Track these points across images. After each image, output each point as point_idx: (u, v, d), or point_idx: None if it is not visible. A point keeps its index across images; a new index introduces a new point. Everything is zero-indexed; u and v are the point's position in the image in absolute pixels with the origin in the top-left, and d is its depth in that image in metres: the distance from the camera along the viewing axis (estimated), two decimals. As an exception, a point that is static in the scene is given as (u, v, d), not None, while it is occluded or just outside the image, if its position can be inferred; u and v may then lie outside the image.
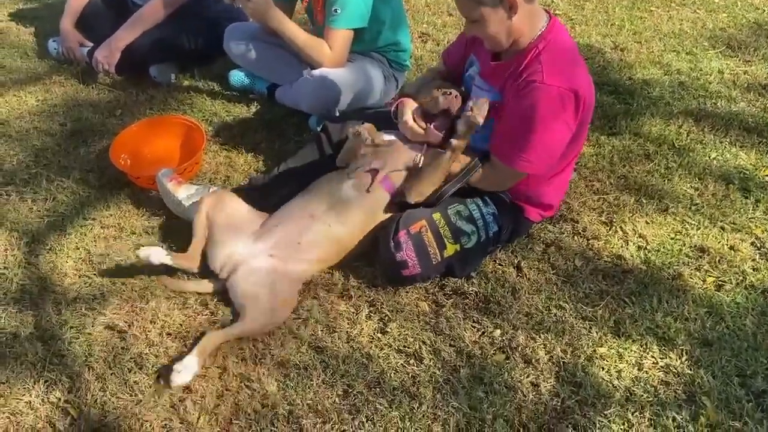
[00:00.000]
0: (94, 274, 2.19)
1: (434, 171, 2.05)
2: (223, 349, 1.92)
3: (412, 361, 1.91)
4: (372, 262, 2.20)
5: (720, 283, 2.13)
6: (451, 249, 2.06)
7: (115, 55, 2.98)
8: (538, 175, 2.03)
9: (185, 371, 1.79)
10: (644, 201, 2.45)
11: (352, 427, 1.74)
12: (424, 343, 1.96)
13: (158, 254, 2.02)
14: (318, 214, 2.10)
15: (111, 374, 1.87)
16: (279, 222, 2.12)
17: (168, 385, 1.79)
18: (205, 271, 2.11)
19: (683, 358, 1.90)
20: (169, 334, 1.99)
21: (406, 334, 1.98)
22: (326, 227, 2.09)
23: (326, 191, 2.15)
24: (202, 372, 1.86)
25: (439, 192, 2.09)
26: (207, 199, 2.17)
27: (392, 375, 1.87)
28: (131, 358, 1.91)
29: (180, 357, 1.84)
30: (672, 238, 2.30)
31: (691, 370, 1.86)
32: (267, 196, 2.31)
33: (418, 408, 1.77)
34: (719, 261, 2.20)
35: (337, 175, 2.20)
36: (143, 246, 2.08)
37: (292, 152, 2.63)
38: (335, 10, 2.47)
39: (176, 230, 2.31)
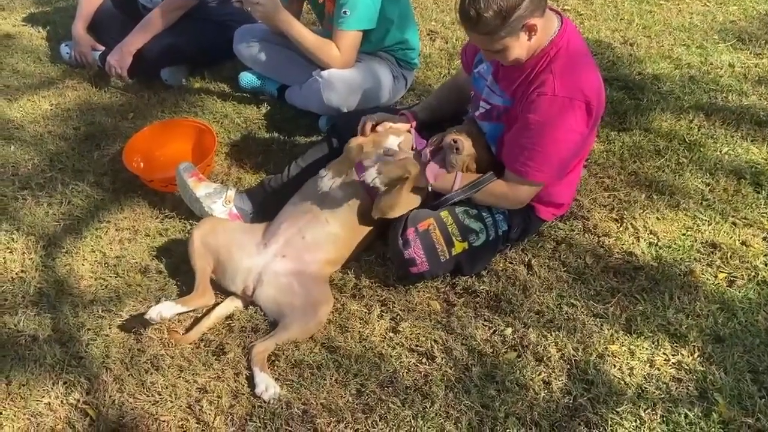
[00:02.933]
0: (110, 277, 2.23)
1: (392, 194, 2.04)
2: (238, 349, 1.95)
3: (424, 360, 1.93)
4: (383, 262, 2.22)
5: (732, 278, 2.13)
6: (459, 247, 2.07)
7: (127, 60, 3.01)
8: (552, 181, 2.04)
9: (269, 387, 1.83)
10: (655, 197, 2.44)
11: (365, 426, 1.76)
12: (435, 342, 1.97)
13: (168, 308, 1.96)
14: (314, 212, 2.12)
15: (128, 375, 1.90)
16: (281, 221, 2.15)
17: (266, 400, 1.82)
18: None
19: (695, 355, 1.90)
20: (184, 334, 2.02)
21: (418, 333, 2.00)
22: (324, 224, 2.11)
23: (316, 188, 2.15)
24: (216, 373, 1.89)
25: (442, 198, 2.09)
26: (196, 231, 2.12)
27: (404, 374, 1.89)
28: (147, 359, 1.94)
29: (251, 382, 1.86)
30: (683, 234, 2.29)
31: (703, 366, 1.87)
32: (283, 199, 2.33)
33: (430, 407, 1.79)
34: (731, 256, 2.19)
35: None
36: (150, 308, 1.96)
37: (302, 152, 2.65)
38: (344, 12, 2.48)
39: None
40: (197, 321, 2.06)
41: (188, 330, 2.02)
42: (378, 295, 2.13)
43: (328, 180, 2.08)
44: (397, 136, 2.22)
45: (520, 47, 1.84)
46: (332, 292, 2.12)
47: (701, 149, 2.67)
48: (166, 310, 1.95)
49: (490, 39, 1.81)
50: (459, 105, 2.37)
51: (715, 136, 2.74)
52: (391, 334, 2.01)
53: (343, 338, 1.99)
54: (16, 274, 2.25)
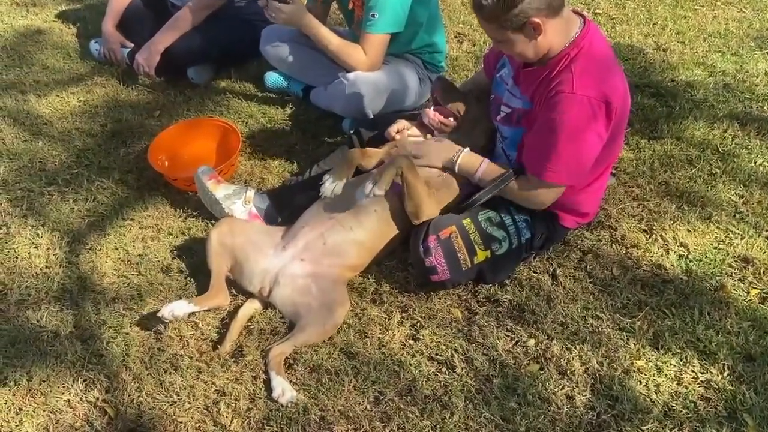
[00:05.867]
0: (132, 275, 2.23)
1: (408, 194, 2.05)
2: (256, 351, 1.94)
3: (444, 369, 1.90)
4: (404, 267, 2.20)
5: (765, 295, 2.06)
6: (481, 255, 2.04)
7: (155, 58, 3.02)
8: (570, 185, 1.99)
9: (285, 391, 1.81)
10: (686, 208, 2.38)
11: (383, 435, 1.74)
12: (456, 351, 1.94)
13: (181, 307, 1.95)
14: (338, 218, 2.10)
15: (147, 375, 1.90)
16: (303, 225, 2.13)
17: (282, 404, 1.81)
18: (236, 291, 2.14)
19: (725, 373, 1.84)
20: (203, 335, 2.02)
21: (439, 342, 1.97)
22: (348, 231, 2.09)
23: (343, 195, 2.14)
24: (235, 375, 1.88)
25: (470, 200, 2.07)
26: (214, 231, 2.12)
27: (424, 383, 1.86)
28: (167, 359, 1.94)
29: (268, 385, 1.85)
30: (715, 248, 2.23)
31: (732, 385, 1.81)
32: (292, 199, 2.34)
33: (449, 418, 1.76)
34: (764, 272, 2.13)
35: (355, 179, 2.20)
36: (162, 307, 1.95)
37: (325, 155, 2.65)
38: (373, 15, 2.46)
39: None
40: (213, 325, 2.05)
41: (216, 344, 2.00)
42: (398, 301, 2.10)
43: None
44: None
45: (523, 43, 1.81)
46: (352, 296, 2.10)
47: (735, 160, 2.59)
48: (178, 309, 1.95)
49: (493, 27, 1.80)
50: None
51: (749, 147, 2.67)
52: (411, 342, 1.98)
53: (362, 344, 1.97)
54: (41, 269, 2.27)
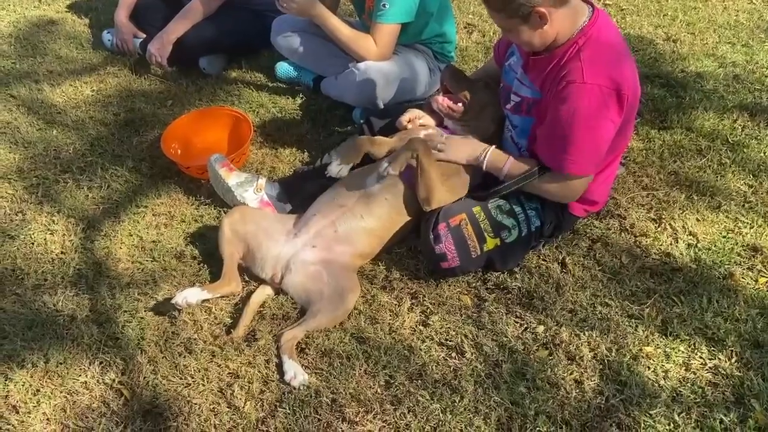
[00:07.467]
0: (146, 260, 2.27)
1: (421, 179, 2.07)
2: (269, 336, 1.97)
3: (453, 355, 1.92)
4: (414, 254, 2.22)
5: (773, 283, 2.08)
6: (491, 243, 2.06)
7: (167, 48, 3.05)
8: (594, 173, 2.00)
9: (297, 374, 1.84)
10: (695, 198, 2.39)
11: (393, 417, 1.76)
12: (465, 336, 1.96)
13: (194, 294, 1.99)
14: (349, 206, 2.12)
15: (162, 357, 1.93)
16: (314, 213, 2.16)
17: (295, 387, 1.83)
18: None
19: (733, 360, 1.86)
20: (216, 320, 2.05)
21: (448, 328, 1.99)
22: (359, 219, 2.11)
23: (354, 184, 2.17)
24: (248, 359, 1.91)
25: (490, 191, 2.09)
26: (226, 219, 2.15)
27: (434, 367, 1.88)
28: (181, 342, 1.97)
29: (280, 369, 1.88)
30: (724, 237, 2.24)
31: (740, 371, 1.82)
32: (303, 187, 2.37)
33: (459, 401, 1.78)
34: (773, 261, 2.14)
35: (366, 168, 2.22)
36: (175, 294, 1.99)
37: (336, 144, 2.67)
38: (383, 5, 2.47)
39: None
40: (229, 312, 2.09)
41: (229, 328, 2.03)
42: (408, 288, 2.13)
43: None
44: (425, 131, 2.27)
45: (529, 32, 1.83)
46: (363, 283, 2.13)
47: (744, 150, 2.60)
48: (191, 295, 1.99)
49: (500, 17, 1.83)
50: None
51: (759, 137, 2.67)
52: (421, 327, 2.01)
53: (372, 329, 1.99)
54: (57, 255, 2.31)
